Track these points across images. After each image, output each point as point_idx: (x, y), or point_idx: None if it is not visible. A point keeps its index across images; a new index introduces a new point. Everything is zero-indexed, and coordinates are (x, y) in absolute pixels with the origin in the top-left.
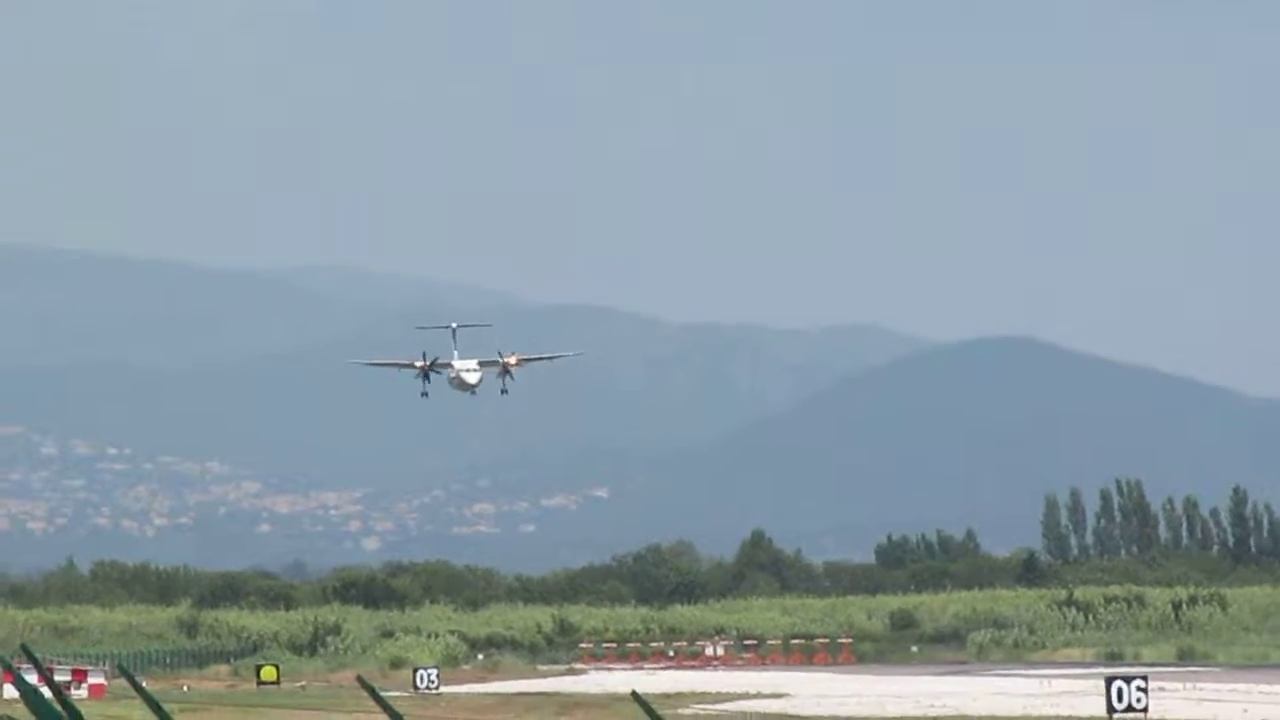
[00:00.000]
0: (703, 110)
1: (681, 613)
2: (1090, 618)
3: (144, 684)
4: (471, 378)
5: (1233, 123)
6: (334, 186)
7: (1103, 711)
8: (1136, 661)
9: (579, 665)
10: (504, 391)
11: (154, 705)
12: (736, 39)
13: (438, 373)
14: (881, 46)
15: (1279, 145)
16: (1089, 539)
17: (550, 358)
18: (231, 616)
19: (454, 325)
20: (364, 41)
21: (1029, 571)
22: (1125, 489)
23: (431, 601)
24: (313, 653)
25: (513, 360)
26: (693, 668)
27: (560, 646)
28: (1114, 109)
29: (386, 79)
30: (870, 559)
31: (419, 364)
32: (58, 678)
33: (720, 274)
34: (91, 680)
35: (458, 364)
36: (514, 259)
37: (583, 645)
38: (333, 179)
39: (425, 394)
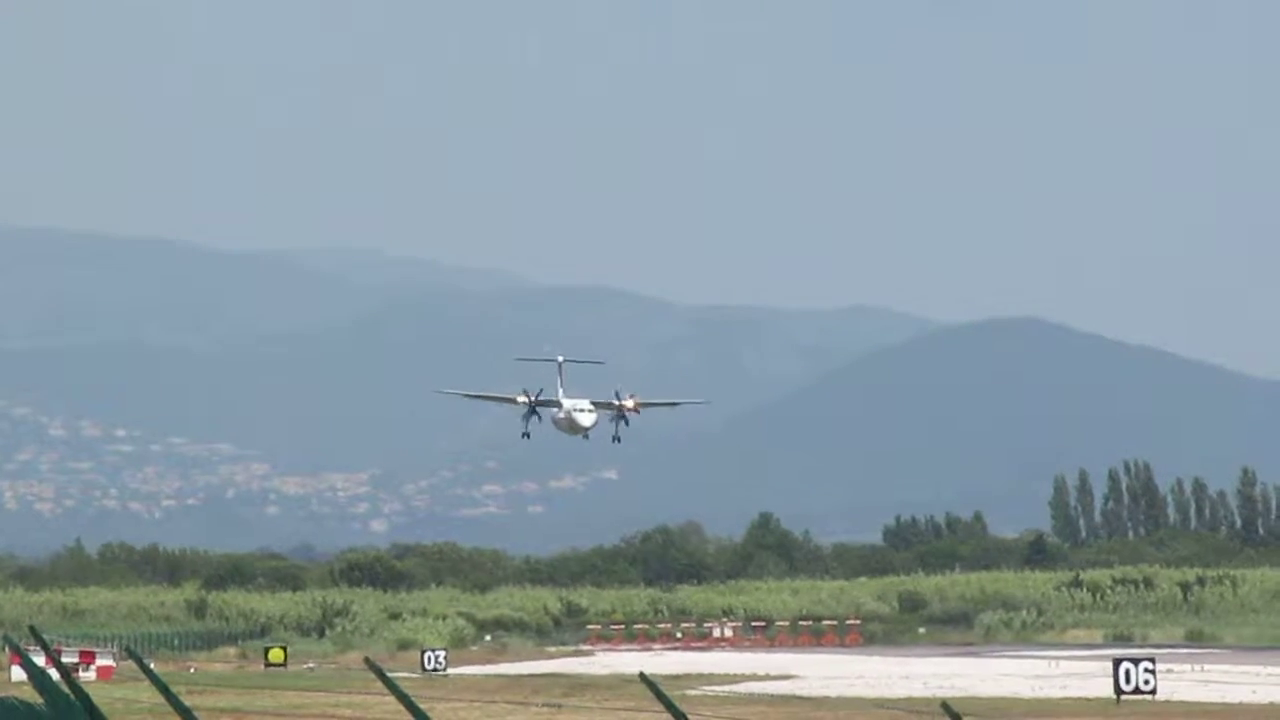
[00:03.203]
0: (710, 92)
1: (689, 594)
2: (1098, 599)
3: (152, 666)
4: (585, 420)
5: (1239, 102)
6: (341, 169)
7: (1110, 693)
8: (1144, 643)
9: (586, 647)
10: (617, 439)
11: (162, 687)
12: (742, 22)
13: (537, 414)
14: (886, 29)
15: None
16: (1097, 520)
17: (672, 403)
18: (239, 598)
19: (560, 359)
20: (368, 25)
21: (1037, 553)
22: (1133, 470)
23: (439, 583)
24: (321, 634)
25: (631, 403)
26: (700, 649)
27: (568, 628)
28: (1119, 90)
29: (392, 62)
30: (878, 540)
31: (522, 399)
32: (65, 659)
33: (728, 256)
34: (100, 662)
35: (568, 403)
36: (521, 241)
37: (590, 627)
38: (340, 162)
39: (527, 435)
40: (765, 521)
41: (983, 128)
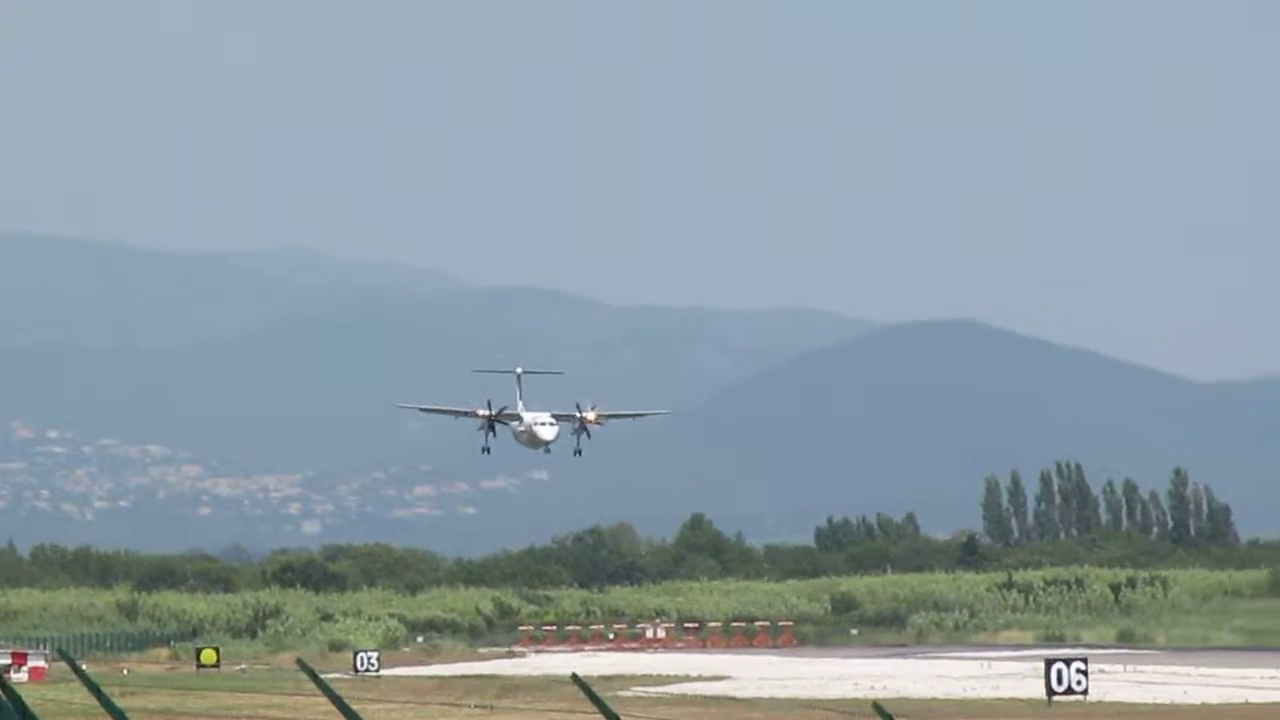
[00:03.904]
0: (644, 93)
1: (622, 595)
2: (1030, 600)
3: (84, 667)
4: (547, 433)
5: (1174, 101)
6: (278, 170)
7: (1042, 694)
8: (1076, 644)
9: (519, 648)
10: (578, 452)
11: (94, 688)
12: (675, 21)
13: (504, 424)
14: (818, 31)
15: (1215, 124)
16: (1029, 521)
17: (635, 415)
18: (171, 600)
19: (519, 370)
20: (305, 26)
21: (969, 554)
22: (1065, 471)
23: (371, 585)
24: (253, 636)
25: (592, 416)
26: (633, 650)
27: (500, 629)
28: (1052, 93)
29: (328, 62)
30: (810, 541)
31: (483, 413)
32: None
33: (663, 256)
34: (31, 663)
35: (529, 416)
36: (457, 242)
37: (523, 628)
38: (277, 162)
39: (487, 449)
40: (697, 522)
41: (917, 130)
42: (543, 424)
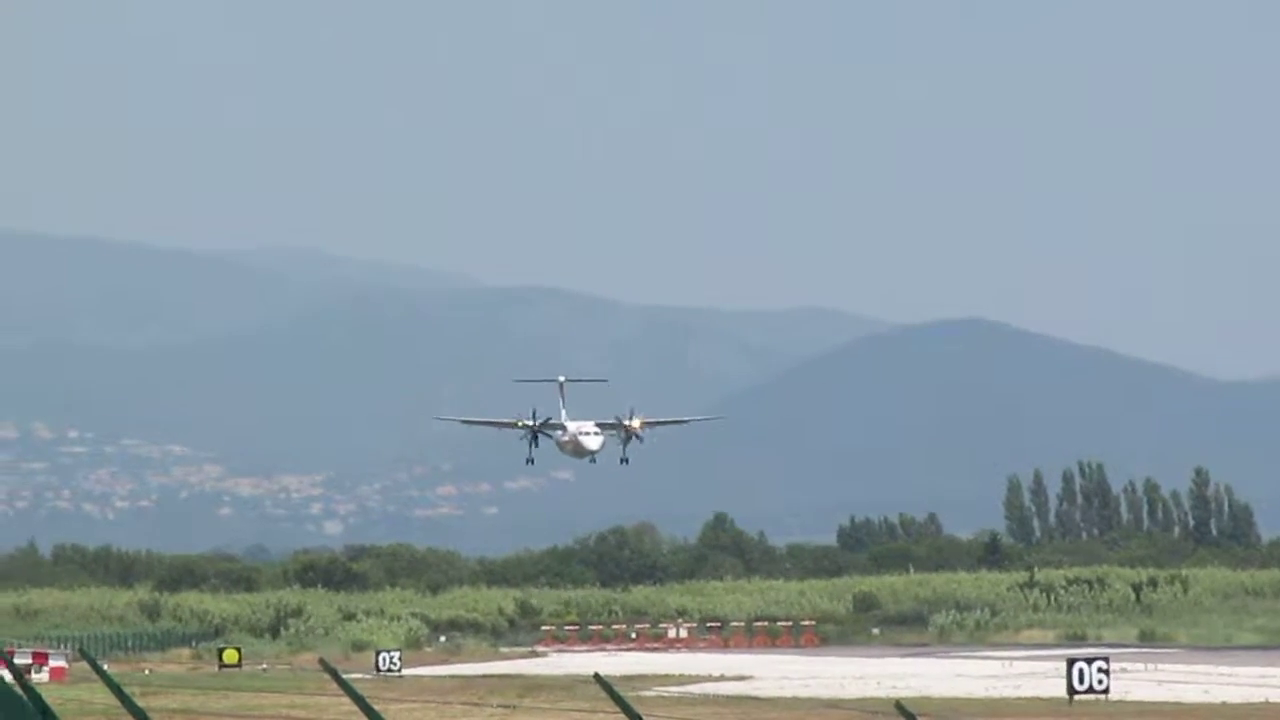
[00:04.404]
0: (660, 94)
1: (644, 595)
2: (1052, 599)
3: (105, 667)
4: (592, 443)
5: (1180, 103)
6: (292, 169)
7: (1064, 693)
8: (1098, 643)
9: (541, 648)
10: (625, 460)
11: (115, 688)
12: (688, 21)
13: (548, 435)
14: (825, 26)
15: (1233, 121)
16: (1051, 521)
17: (679, 422)
18: (193, 599)
19: (561, 379)
20: (304, 25)
21: (991, 553)
22: (1087, 471)
23: (393, 584)
24: (274, 635)
25: (637, 424)
26: (655, 650)
27: (522, 629)
28: (1061, 92)
29: (331, 61)
30: (832, 541)
31: (525, 423)
32: (18, 661)
33: (677, 256)
34: (53, 663)
35: (573, 426)
36: (468, 241)
37: (545, 628)
38: (291, 161)
39: (531, 460)
40: (720, 522)
41: (929, 130)
42: (587, 434)
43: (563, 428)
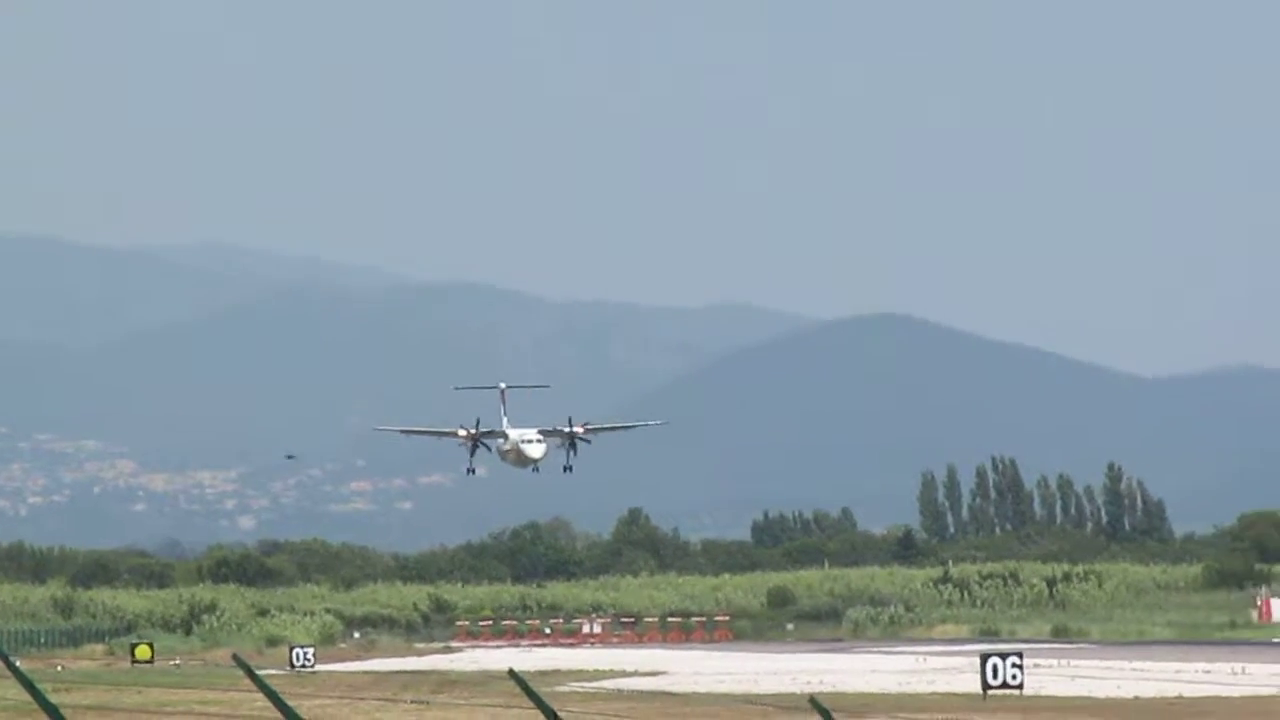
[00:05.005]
0: (577, 89)
1: (558, 590)
2: (966, 595)
3: (18, 663)
4: (534, 451)
5: (1092, 93)
6: (213, 165)
7: (978, 688)
8: (1012, 638)
9: (455, 643)
10: (568, 468)
11: (28, 685)
12: (601, 18)
13: (485, 446)
14: (755, 23)
15: (1145, 116)
16: (965, 516)
17: (624, 427)
18: (106, 596)
19: (502, 385)
20: (237, 19)
21: (905, 549)
22: (1000, 466)
23: (307, 580)
24: (188, 631)
25: (580, 430)
26: (569, 645)
27: (436, 624)
28: (978, 86)
29: (263, 56)
30: (746, 537)
31: (464, 432)
32: None
33: (600, 252)
34: None
35: (514, 433)
36: (395, 237)
37: (459, 623)
38: (212, 158)
39: (472, 470)
40: (634, 518)
41: (847, 124)
42: (530, 441)
43: (504, 436)
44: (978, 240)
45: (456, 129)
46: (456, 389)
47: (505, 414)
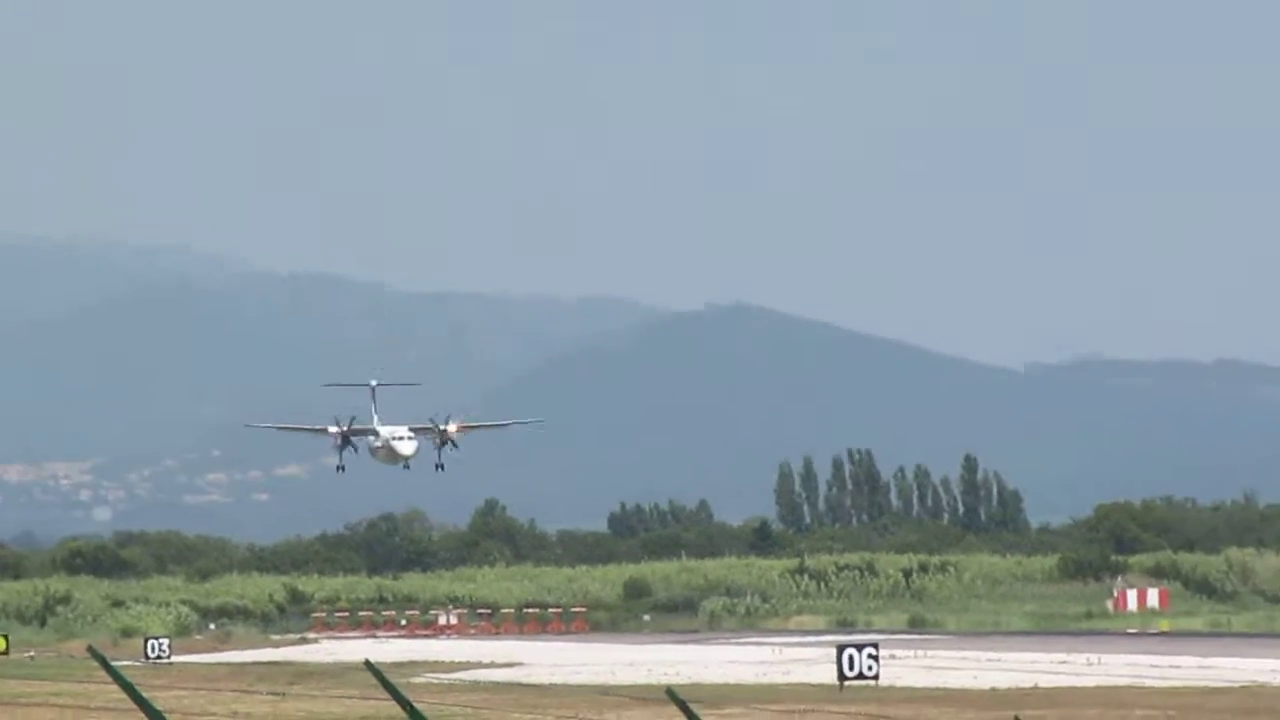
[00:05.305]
0: (440, 82)
1: (415, 582)
2: (823, 585)
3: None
4: (406, 448)
5: (958, 85)
6: (63, 153)
7: (834, 679)
8: (868, 629)
9: (311, 634)
10: (440, 466)
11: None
12: (443, 12)
13: (353, 446)
14: (608, 21)
15: (1002, 106)
16: (821, 507)
17: (498, 425)
18: None
19: (373, 383)
20: (109, 12)
21: (762, 540)
22: (856, 458)
23: (163, 571)
24: (42, 623)
25: (453, 428)
26: (426, 637)
27: (292, 616)
28: (829, 71)
29: (124, 47)
30: (603, 528)
31: (335, 429)
32: None
33: (457, 242)
34: None
35: (385, 431)
36: (253, 227)
37: (315, 615)
38: (61, 146)
39: (342, 467)
40: (490, 509)
41: (700, 114)
42: (401, 438)
43: (375, 433)
44: (834, 231)
45: (310, 119)
46: (326, 385)
47: (376, 412)
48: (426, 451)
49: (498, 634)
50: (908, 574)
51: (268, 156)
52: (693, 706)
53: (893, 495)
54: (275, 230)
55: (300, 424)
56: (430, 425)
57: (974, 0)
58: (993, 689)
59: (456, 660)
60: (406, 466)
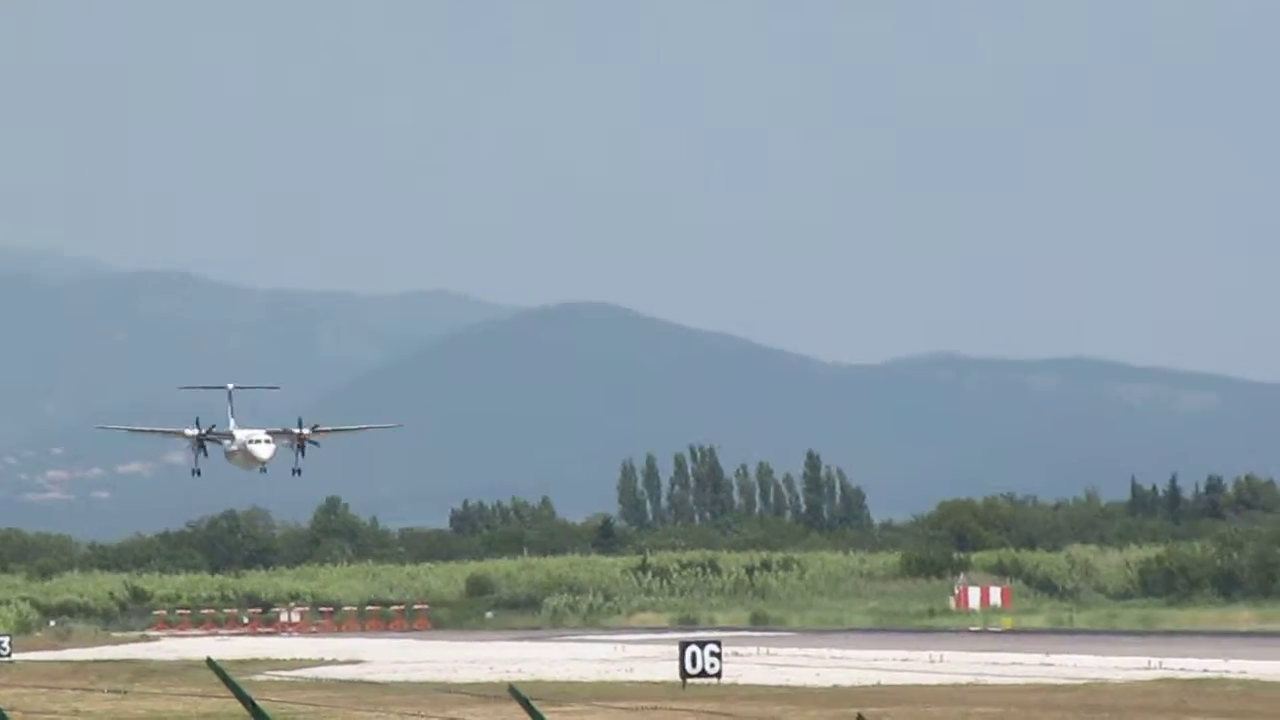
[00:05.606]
0: (294, 84)
1: (257, 579)
2: (665, 583)
3: None
4: (262, 452)
5: (773, 79)
6: None
7: (677, 676)
8: (711, 626)
9: (153, 632)
10: (297, 471)
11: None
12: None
13: (204, 451)
14: (468, 24)
15: (829, 102)
16: (664, 505)
17: (356, 429)
18: None
19: (230, 386)
20: None
21: (604, 537)
22: (699, 455)
23: (3, 569)
24: None
25: (309, 431)
26: (268, 634)
27: (134, 613)
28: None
29: None
30: (446, 525)
31: (191, 432)
32: None
33: (302, 240)
34: None
35: (241, 434)
36: (100, 225)
37: (156, 613)
38: None
39: (198, 472)
40: (332, 506)
41: (550, 120)
42: (258, 442)
43: (231, 437)
44: (679, 230)
45: (161, 113)
46: (182, 388)
47: (232, 415)
48: (283, 455)
49: (340, 631)
50: (750, 571)
51: (108, 151)
52: (535, 704)
53: (735, 493)
54: (118, 227)
55: (154, 427)
56: (287, 429)
57: None
58: (835, 686)
59: (299, 658)
60: (264, 470)
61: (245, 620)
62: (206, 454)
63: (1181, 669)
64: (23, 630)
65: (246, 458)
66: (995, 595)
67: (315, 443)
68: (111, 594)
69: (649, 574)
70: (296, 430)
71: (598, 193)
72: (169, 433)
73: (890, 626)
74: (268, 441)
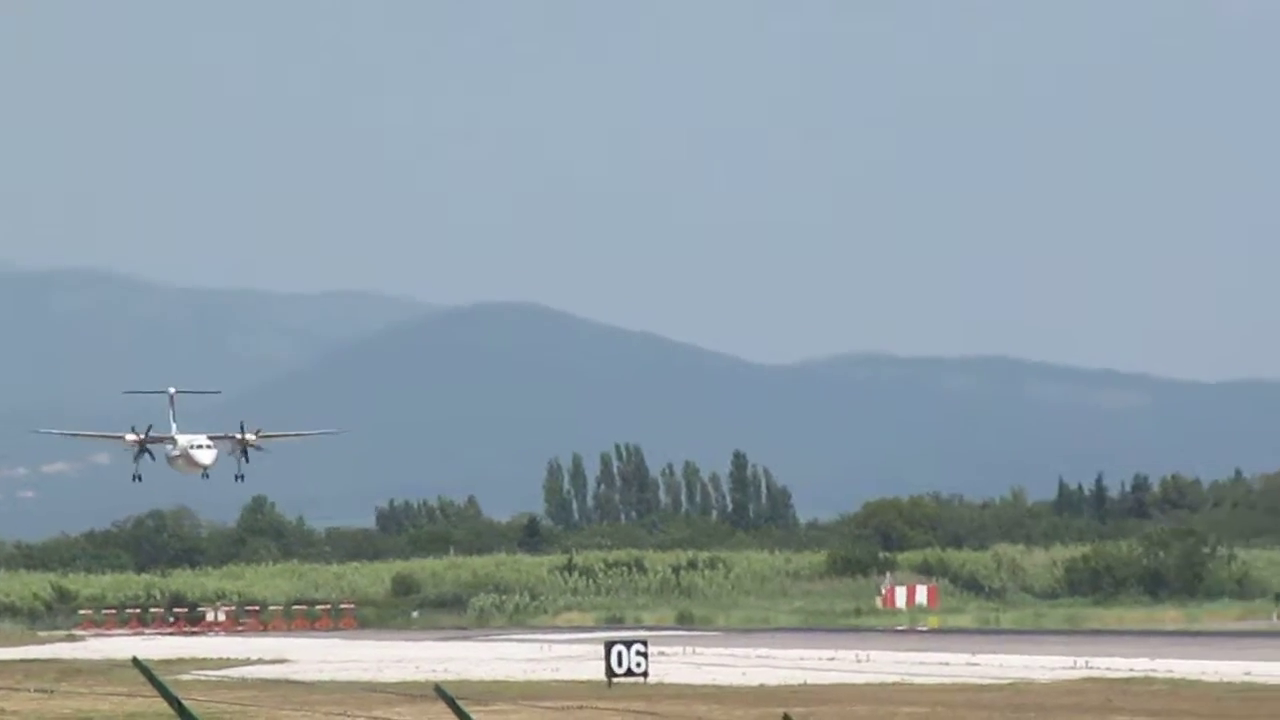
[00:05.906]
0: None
1: (183, 579)
2: (591, 582)
3: None
4: (204, 457)
5: (707, 78)
6: None
7: (603, 675)
8: (637, 626)
9: (79, 632)
10: (240, 477)
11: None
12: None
13: (150, 454)
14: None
15: (764, 103)
16: (590, 504)
17: (299, 435)
18: None
19: (171, 390)
20: None
21: (530, 536)
22: (625, 454)
23: None
24: None
25: (253, 437)
26: (194, 634)
27: (59, 613)
28: (581, 76)
29: None
30: (371, 524)
31: (131, 437)
32: None
33: (218, 237)
34: None
35: (183, 439)
36: (7, 224)
37: (82, 612)
38: None
39: (138, 477)
40: (258, 505)
41: (478, 115)
42: (200, 447)
43: (173, 441)
44: (606, 230)
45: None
46: (126, 393)
47: (174, 420)
48: (224, 461)
49: (266, 631)
50: (676, 570)
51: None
52: (461, 703)
53: (661, 492)
54: (28, 225)
55: (97, 431)
56: (229, 435)
57: None
58: (762, 686)
59: (225, 657)
60: (206, 475)
61: (171, 619)
62: (153, 457)
63: (1107, 668)
64: None
65: (188, 463)
66: (921, 594)
67: (259, 448)
68: (36, 594)
69: (575, 573)
70: (239, 435)
71: (524, 190)
72: (112, 437)
73: (816, 626)
74: (210, 447)
